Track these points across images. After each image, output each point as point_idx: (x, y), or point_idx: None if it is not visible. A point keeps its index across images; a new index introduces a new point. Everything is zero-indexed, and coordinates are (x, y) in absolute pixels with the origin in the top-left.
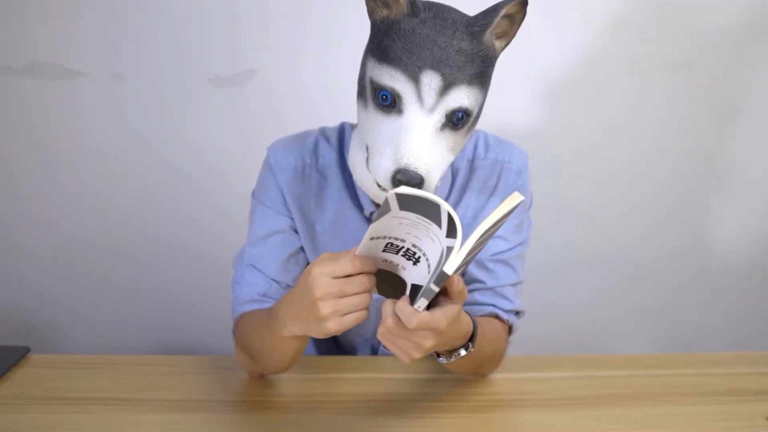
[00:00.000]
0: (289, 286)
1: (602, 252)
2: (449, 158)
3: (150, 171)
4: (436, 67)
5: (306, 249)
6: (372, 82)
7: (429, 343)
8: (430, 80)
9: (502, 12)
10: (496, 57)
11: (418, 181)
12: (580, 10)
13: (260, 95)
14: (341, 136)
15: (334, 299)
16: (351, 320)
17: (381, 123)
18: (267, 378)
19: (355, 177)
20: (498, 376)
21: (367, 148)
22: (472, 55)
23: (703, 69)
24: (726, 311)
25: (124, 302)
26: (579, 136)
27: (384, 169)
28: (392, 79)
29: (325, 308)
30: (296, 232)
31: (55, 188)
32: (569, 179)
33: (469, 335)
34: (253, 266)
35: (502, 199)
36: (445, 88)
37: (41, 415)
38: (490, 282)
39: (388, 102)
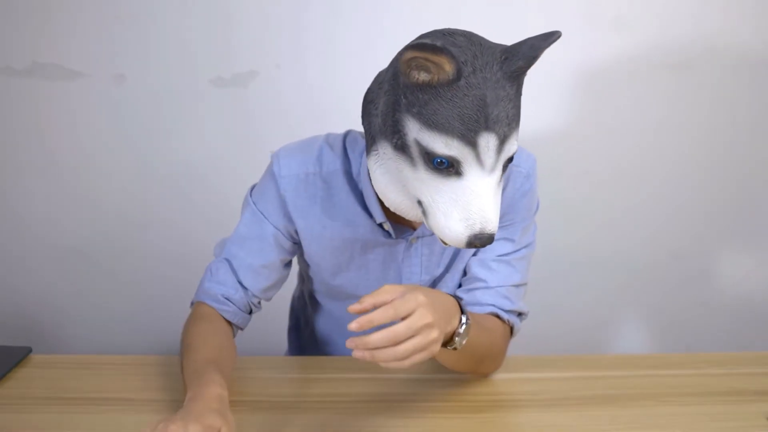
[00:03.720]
0: (254, 296)
1: (602, 252)
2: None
3: (151, 171)
4: (491, 128)
5: (311, 253)
6: (420, 145)
7: (424, 319)
8: (488, 143)
9: (547, 46)
10: (521, 90)
11: (491, 239)
12: (581, 10)
13: (261, 96)
14: (346, 144)
15: None
16: None
17: (439, 184)
18: (267, 378)
19: (380, 194)
20: (498, 376)
21: (419, 203)
22: (516, 100)
23: (704, 69)
24: (726, 311)
25: (125, 302)
26: (579, 136)
27: (457, 233)
28: (448, 147)
29: None
30: (289, 239)
31: (56, 188)
32: (569, 179)
33: (457, 309)
34: (229, 263)
35: (509, 204)
36: (501, 144)
37: (42, 415)
38: (492, 281)
39: (445, 166)
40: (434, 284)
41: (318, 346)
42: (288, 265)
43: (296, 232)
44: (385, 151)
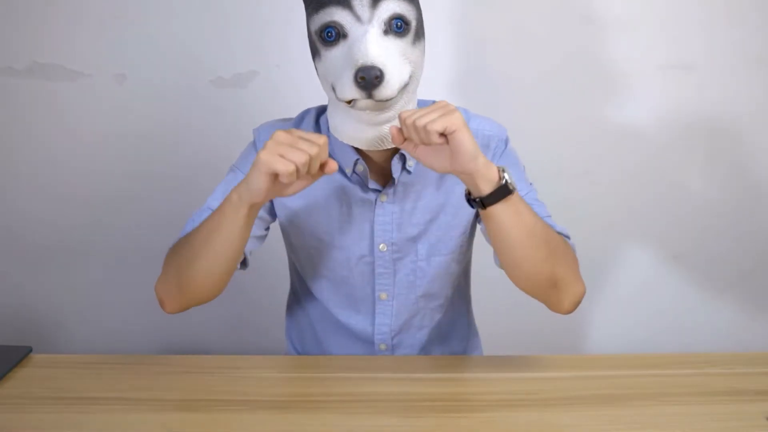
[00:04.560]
0: None
1: (603, 252)
2: (405, 66)
3: (151, 171)
4: None
5: (285, 214)
6: (316, 32)
7: (447, 106)
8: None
9: None
10: None
11: (378, 73)
12: (580, 10)
13: (261, 96)
14: (320, 112)
15: (281, 143)
16: (285, 164)
17: (334, 55)
18: (267, 378)
19: (334, 133)
20: (498, 376)
21: (334, 90)
22: None
23: (704, 69)
24: (726, 311)
25: (125, 302)
26: (579, 136)
27: (346, 81)
28: (329, 14)
29: (270, 146)
30: (269, 201)
31: (57, 188)
32: (570, 180)
33: (494, 166)
34: (212, 210)
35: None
36: (375, 1)
37: (43, 415)
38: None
39: (333, 37)
40: (411, 244)
41: (318, 346)
42: (266, 228)
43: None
44: (318, 75)
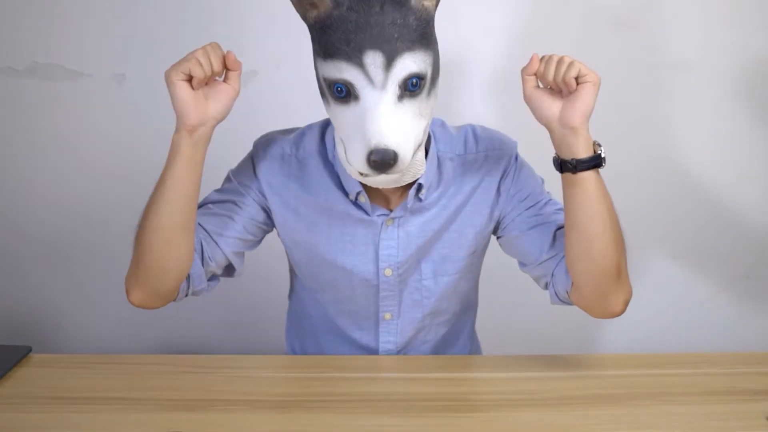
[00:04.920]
0: (216, 244)
1: None
2: (419, 125)
3: (151, 171)
4: (374, 45)
5: (286, 230)
6: (325, 80)
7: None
8: (373, 60)
9: None
10: (431, 16)
11: (392, 156)
12: (581, 10)
13: (261, 96)
14: (324, 128)
15: (194, 53)
16: (185, 64)
17: (344, 115)
18: (267, 378)
19: (342, 162)
20: (498, 375)
21: (342, 141)
22: (405, 22)
23: (704, 69)
24: (726, 311)
25: (124, 302)
26: None
27: (358, 155)
28: (339, 71)
29: (184, 57)
30: (261, 212)
31: (56, 188)
32: None
33: (591, 140)
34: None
35: (498, 183)
36: (389, 61)
37: (42, 415)
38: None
39: (343, 94)
40: (414, 264)
41: (317, 346)
42: (255, 235)
43: (269, 210)
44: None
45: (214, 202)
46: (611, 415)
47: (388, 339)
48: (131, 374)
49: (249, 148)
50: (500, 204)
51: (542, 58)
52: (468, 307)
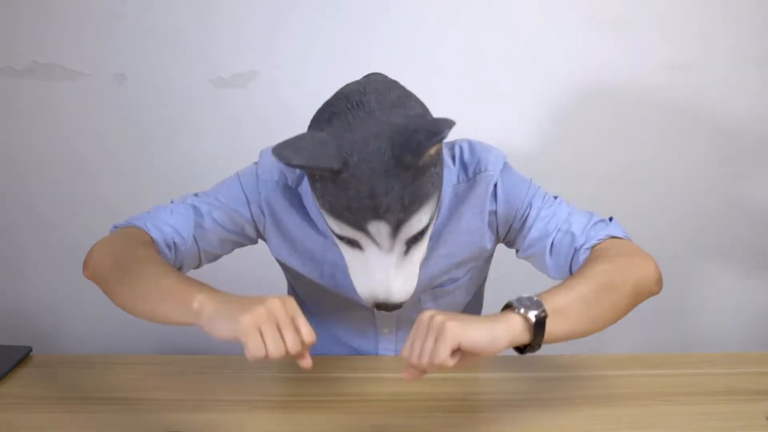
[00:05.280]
0: (203, 249)
1: None
2: (421, 259)
3: (151, 171)
4: (379, 216)
5: (279, 254)
6: (327, 226)
7: (427, 316)
8: (378, 229)
9: (432, 146)
10: (433, 161)
11: (399, 305)
12: (581, 10)
13: (261, 96)
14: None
15: (270, 320)
16: (257, 347)
17: (350, 255)
18: (267, 378)
19: None
20: (498, 375)
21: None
22: (411, 185)
23: (704, 69)
24: (725, 311)
25: None
26: (581, 137)
27: (364, 293)
28: (342, 230)
29: (257, 313)
30: (254, 231)
31: (57, 189)
32: (571, 180)
33: (498, 313)
34: (195, 211)
35: (506, 203)
36: (395, 229)
37: (42, 415)
38: (555, 237)
39: (345, 241)
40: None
41: (317, 346)
42: (233, 248)
43: (264, 229)
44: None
45: (215, 206)
46: (611, 415)
47: (388, 347)
48: (131, 374)
49: (248, 147)
50: (492, 220)
51: (415, 372)
52: (473, 312)
